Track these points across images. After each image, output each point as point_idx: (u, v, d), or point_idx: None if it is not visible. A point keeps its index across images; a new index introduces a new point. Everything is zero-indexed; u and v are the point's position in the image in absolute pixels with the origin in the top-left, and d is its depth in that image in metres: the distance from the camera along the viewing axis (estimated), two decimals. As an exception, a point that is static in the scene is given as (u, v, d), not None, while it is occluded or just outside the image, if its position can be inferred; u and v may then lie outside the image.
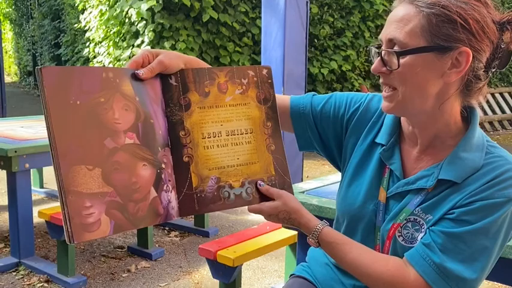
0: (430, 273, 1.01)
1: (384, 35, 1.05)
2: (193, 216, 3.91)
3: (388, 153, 1.15)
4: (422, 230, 1.06)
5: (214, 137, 1.10)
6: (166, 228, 3.86)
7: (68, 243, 0.86)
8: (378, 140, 1.17)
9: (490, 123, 10.25)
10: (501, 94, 10.83)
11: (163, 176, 1.02)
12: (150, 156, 1.00)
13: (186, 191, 1.06)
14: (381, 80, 1.08)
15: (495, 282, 2.75)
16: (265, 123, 1.14)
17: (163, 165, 1.03)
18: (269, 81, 1.17)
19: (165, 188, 1.02)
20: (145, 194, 0.97)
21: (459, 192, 1.03)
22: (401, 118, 1.17)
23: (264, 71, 1.17)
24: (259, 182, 1.11)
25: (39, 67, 0.89)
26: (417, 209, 1.07)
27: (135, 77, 1.02)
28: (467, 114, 1.10)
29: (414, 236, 1.06)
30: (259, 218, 4.19)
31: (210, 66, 1.16)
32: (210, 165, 1.08)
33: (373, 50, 1.07)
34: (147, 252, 3.30)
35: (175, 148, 1.06)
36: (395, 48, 1.02)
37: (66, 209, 0.86)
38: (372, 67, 1.07)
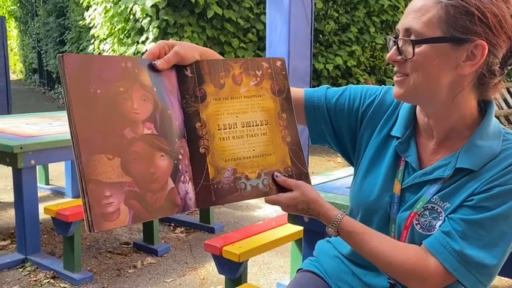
0: (450, 260, 1.02)
1: (401, 25, 1.06)
2: (198, 212, 3.92)
3: (404, 145, 1.15)
4: (440, 217, 1.06)
5: (229, 128, 1.10)
6: (172, 224, 3.87)
7: (88, 232, 0.86)
8: (393, 133, 1.18)
9: (506, 117, 10.19)
10: None
11: (180, 167, 1.02)
12: (168, 147, 1.00)
13: (203, 182, 1.06)
14: (395, 69, 1.09)
15: (502, 277, 2.74)
16: (280, 114, 1.15)
17: (180, 156, 1.03)
18: (283, 72, 1.17)
19: (182, 179, 1.02)
20: (163, 184, 0.97)
21: (477, 180, 1.04)
22: (417, 110, 1.17)
23: (278, 63, 1.17)
24: (275, 173, 1.11)
25: (61, 54, 0.90)
26: (434, 197, 1.08)
27: (152, 68, 1.03)
28: (483, 107, 1.10)
29: (432, 223, 1.07)
30: (265, 213, 4.19)
31: (224, 58, 1.16)
32: (226, 157, 1.09)
33: (391, 39, 1.08)
34: (153, 248, 3.31)
35: (191, 139, 1.07)
36: (412, 37, 1.02)
37: (86, 198, 0.86)
38: (387, 55, 1.08)
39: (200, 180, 1.06)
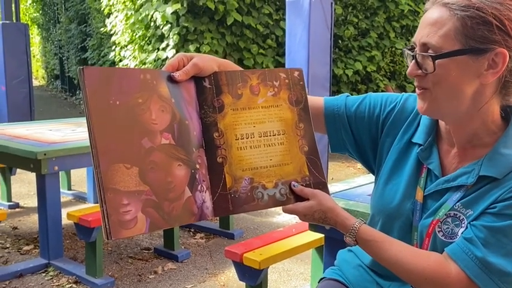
0: (472, 267, 1.01)
1: (417, 39, 1.05)
2: (218, 218, 3.93)
3: (426, 152, 1.15)
4: (463, 225, 1.05)
5: (247, 138, 1.11)
6: (192, 230, 3.89)
7: (106, 240, 0.88)
8: (414, 140, 1.17)
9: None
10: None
11: (197, 176, 1.04)
12: (185, 156, 1.02)
13: (220, 192, 1.07)
14: (416, 83, 1.08)
15: None
16: (298, 124, 1.15)
17: (197, 166, 1.04)
18: (301, 83, 1.18)
19: (199, 188, 1.04)
20: (180, 193, 0.99)
21: (500, 187, 1.03)
22: None
23: (296, 73, 1.18)
24: (292, 182, 1.12)
25: (81, 67, 0.92)
26: (457, 204, 1.07)
27: (171, 79, 1.05)
28: (507, 112, 1.10)
29: (454, 231, 1.06)
30: (284, 220, 4.18)
31: (242, 69, 1.17)
32: (243, 166, 1.10)
33: (407, 52, 1.08)
34: (173, 253, 3.33)
35: (209, 149, 1.08)
36: (430, 51, 1.02)
37: (104, 206, 0.88)
38: (408, 70, 1.07)
39: (217, 190, 1.07)
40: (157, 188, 0.95)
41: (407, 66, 1.08)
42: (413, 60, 1.05)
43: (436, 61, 1.01)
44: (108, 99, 0.93)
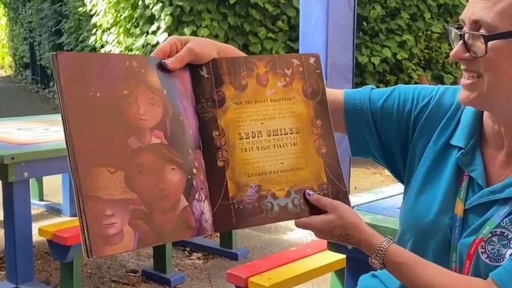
0: None
1: (467, 15, 1.05)
2: (218, 234, 3.93)
3: (468, 157, 1.14)
4: (511, 245, 1.05)
5: (253, 137, 1.11)
6: (187, 249, 3.89)
7: (86, 258, 0.88)
8: (453, 142, 1.17)
9: None
10: None
11: (194, 182, 1.04)
12: (180, 158, 1.02)
13: (222, 202, 1.07)
14: (462, 67, 1.08)
15: None
16: (314, 121, 1.15)
17: (194, 170, 1.04)
18: (317, 71, 1.18)
19: (197, 196, 1.04)
20: (174, 202, 0.99)
21: None
22: (484, 115, 1.16)
23: (312, 60, 1.18)
24: (307, 191, 1.12)
25: (54, 53, 0.92)
26: (505, 220, 1.06)
27: (162, 68, 1.05)
28: None
29: (501, 252, 1.06)
30: (298, 237, 4.18)
31: (246, 55, 1.17)
32: (249, 171, 1.10)
33: (453, 31, 1.08)
34: (165, 277, 3.33)
35: (207, 151, 1.08)
36: (482, 31, 1.02)
37: (84, 218, 0.88)
38: (452, 52, 1.07)
39: (218, 199, 1.07)
40: (147, 196, 0.95)
41: (450, 50, 1.08)
42: (461, 41, 1.05)
43: (489, 43, 1.01)
44: (87, 91, 0.93)
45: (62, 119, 0.91)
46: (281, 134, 1.13)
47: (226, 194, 1.08)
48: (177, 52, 1.08)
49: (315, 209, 1.11)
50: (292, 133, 1.14)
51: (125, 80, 0.98)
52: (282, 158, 1.12)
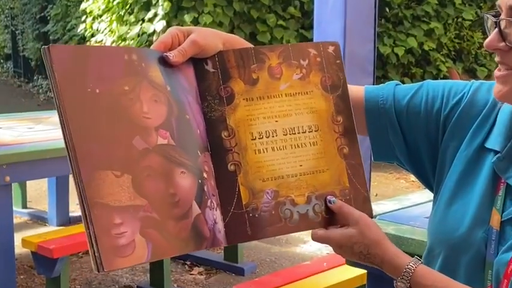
0: None
1: (504, 0, 1.05)
2: (222, 246, 3.93)
3: (505, 162, 1.14)
4: None
5: (267, 137, 1.11)
6: (188, 263, 3.90)
7: (96, 272, 0.88)
8: (489, 145, 1.16)
9: None
10: None
11: (205, 188, 1.04)
12: (189, 161, 1.02)
13: (234, 210, 1.07)
14: (496, 58, 1.08)
15: None
16: (335, 117, 1.15)
17: (204, 175, 1.05)
18: (337, 61, 1.18)
19: (209, 204, 1.04)
20: (186, 209, 0.99)
21: None
22: None
23: (331, 49, 1.18)
24: (329, 197, 1.11)
25: (46, 46, 0.92)
26: None
27: (164, 62, 1.05)
28: None
29: None
30: (312, 250, 4.17)
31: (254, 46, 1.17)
32: (263, 175, 1.09)
33: (490, 19, 1.07)
34: (163, 294, 3.34)
35: (216, 154, 1.08)
36: None
37: (91, 228, 0.87)
38: (486, 41, 1.07)
39: (230, 208, 1.07)
40: (157, 202, 0.96)
41: (484, 39, 1.08)
42: (496, 29, 1.05)
43: None
44: (86, 87, 0.93)
45: (60, 118, 0.90)
46: (298, 133, 1.12)
47: (239, 202, 1.07)
48: (179, 44, 1.08)
49: (334, 219, 1.11)
50: (311, 131, 1.13)
51: (125, 75, 0.98)
52: (300, 160, 1.12)
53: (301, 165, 1.11)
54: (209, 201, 1.04)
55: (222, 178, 1.07)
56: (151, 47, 1.08)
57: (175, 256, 3.85)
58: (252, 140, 1.10)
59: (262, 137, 1.11)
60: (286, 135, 1.12)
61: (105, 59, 0.97)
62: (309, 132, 1.13)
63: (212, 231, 1.03)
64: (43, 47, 0.92)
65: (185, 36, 1.09)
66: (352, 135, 1.16)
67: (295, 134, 1.12)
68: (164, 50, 1.06)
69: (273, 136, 1.11)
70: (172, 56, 1.05)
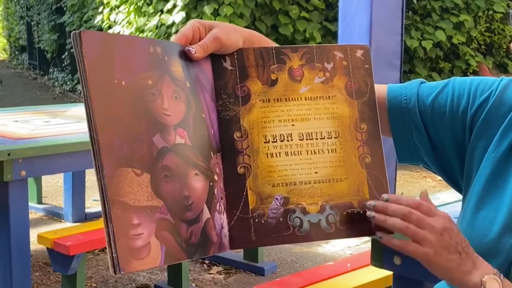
0: None
1: None
2: (242, 246, 3.95)
3: None
4: None
5: (281, 141, 1.11)
6: (206, 262, 3.91)
7: (113, 274, 0.89)
8: None
9: None
10: None
11: (215, 191, 1.04)
12: (202, 163, 1.03)
13: (240, 214, 1.07)
14: None
15: None
16: (358, 124, 1.14)
17: (215, 177, 1.05)
18: (366, 66, 1.17)
19: (217, 207, 1.04)
20: (198, 213, 1.00)
21: None
22: None
23: (359, 52, 1.17)
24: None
25: (77, 31, 0.92)
26: None
27: (185, 56, 1.06)
28: None
29: None
30: (335, 250, 4.17)
31: (277, 45, 1.17)
32: (274, 180, 1.09)
33: None
34: (181, 294, 3.35)
35: (227, 154, 1.09)
36: None
37: (111, 226, 0.88)
38: None
39: (236, 211, 1.07)
40: (172, 204, 0.96)
41: None
42: None
43: None
44: (112, 77, 0.94)
45: (86, 108, 0.90)
46: (316, 138, 1.12)
47: (245, 206, 1.07)
48: (200, 38, 1.08)
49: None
50: (331, 138, 1.12)
51: (149, 69, 0.99)
52: (316, 167, 1.11)
53: (316, 172, 1.11)
54: (218, 204, 1.04)
55: (231, 180, 1.08)
56: (172, 39, 1.09)
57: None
58: (265, 143, 1.10)
59: (276, 141, 1.10)
60: (302, 140, 1.11)
61: (131, 50, 0.98)
62: (328, 138, 1.12)
63: (219, 236, 1.04)
64: (74, 31, 0.92)
65: (206, 30, 1.09)
66: (377, 144, 1.14)
67: (312, 139, 1.12)
68: (185, 44, 1.07)
69: (287, 140, 1.11)
70: (195, 51, 1.06)
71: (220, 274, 3.75)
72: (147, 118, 0.96)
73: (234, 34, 1.11)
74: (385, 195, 1.05)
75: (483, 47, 8.28)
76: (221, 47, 1.10)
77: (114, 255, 0.87)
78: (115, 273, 0.88)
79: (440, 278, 1.06)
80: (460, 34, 7.83)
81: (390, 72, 4.71)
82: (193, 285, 3.55)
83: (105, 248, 0.89)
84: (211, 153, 1.05)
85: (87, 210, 4.73)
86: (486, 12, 8.10)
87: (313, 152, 1.11)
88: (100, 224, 3.10)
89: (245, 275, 3.73)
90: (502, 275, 1.05)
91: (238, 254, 3.92)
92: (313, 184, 1.10)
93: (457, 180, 1.27)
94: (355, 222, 1.11)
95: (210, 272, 3.78)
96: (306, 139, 1.11)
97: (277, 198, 1.09)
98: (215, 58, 1.11)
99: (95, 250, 3.87)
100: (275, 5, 7.12)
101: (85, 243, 2.97)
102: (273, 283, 2.36)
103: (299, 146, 1.11)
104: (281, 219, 1.08)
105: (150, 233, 0.92)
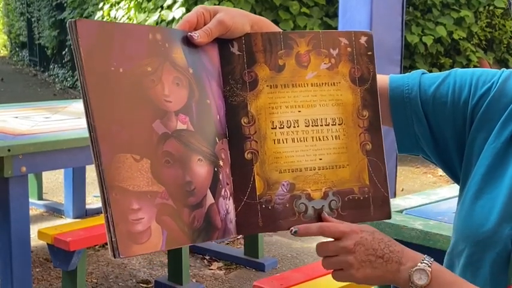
0: None
1: None
2: (242, 241, 3.95)
3: None
4: None
5: (288, 127, 1.11)
6: (207, 257, 3.91)
7: (113, 258, 0.90)
8: None
9: None
10: None
11: (221, 176, 1.05)
12: (206, 148, 1.03)
13: (247, 200, 1.08)
14: None
15: None
16: (361, 111, 1.15)
17: (221, 163, 1.05)
18: (369, 53, 1.17)
19: (223, 193, 1.05)
20: (201, 198, 1.01)
21: None
22: None
23: (363, 39, 1.17)
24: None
25: (72, 20, 0.93)
26: None
27: (188, 42, 1.06)
28: None
29: None
30: (335, 246, 4.16)
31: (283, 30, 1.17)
32: (281, 166, 1.10)
33: None
34: (181, 289, 3.36)
35: (234, 140, 1.09)
36: None
37: (109, 211, 0.89)
38: None
39: (243, 197, 1.08)
40: (174, 189, 0.97)
41: None
42: None
43: None
44: (109, 65, 0.94)
45: (83, 97, 0.91)
46: (321, 125, 1.12)
47: (253, 192, 1.08)
48: (205, 24, 1.08)
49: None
50: (335, 124, 1.13)
51: (148, 56, 0.99)
52: (320, 153, 1.12)
53: (320, 159, 1.12)
54: (223, 190, 1.05)
55: (238, 166, 1.08)
56: (177, 26, 1.09)
57: (194, 250, 3.88)
58: (272, 128, 1.10)
59: (283, 127, 1.11)
60: (308, 126, 1.12)
61: (130, 37, 0.98)
62: (332, 125, 1.13)
63: (224, 221, 1.04)
64: (69, 20, 0.92)
65: (211, 15, 1.09)
66: (377, 131, 1.15)
67: (317, 126, 1.12)
68: (189, 30, 1.07)
69: (294, 127, 1.11)
70: (197, 36, 1.06)
71: (221, 270, 3.75)
72: (147, 104, 0.97)
73: (240, 18, 1.11)
74: (293, 228, 1.07)
75: (484, 42, 8.27)
76: (226, 31, 1.09)
77: (113, 239, 0.88)
78: (114, 257, 0.89)
79: (382, 285, 1.07)
80: (461, 30, 7.83)
81: (390, 67, 4.70)
82: (194, 280, 3.56)
83: (106, 244, 0.90)
84: (217, 139, 1.06)
85: (87, 206, 4.74)
86: (487, 7, 8.09)
87: (318, 139, 1.12)
88: (101, 220, 3.10)
89: (245, 271, 3.74)
90: (432, 259, 1.06)
91: (238, 250, 3.93)
92: (318, 170, 1.11)
93: (455, 170, 1.27)
94: (355, 208, 1.13)
95: (211, 267, 3.78)
96: (312, 125, 1.12)
97: (283, 184, 1.09)
98: (223, 43, 1.11)
99: (95, 246, 3.88)
100: (275, 0, 7.12)
101: (85, 239, 2.98)
102: (273, 278, 2.36)
103: (305, 133, 1.12)
104: (287, 205, 1.09)
105: (150, 218, 0.93)
